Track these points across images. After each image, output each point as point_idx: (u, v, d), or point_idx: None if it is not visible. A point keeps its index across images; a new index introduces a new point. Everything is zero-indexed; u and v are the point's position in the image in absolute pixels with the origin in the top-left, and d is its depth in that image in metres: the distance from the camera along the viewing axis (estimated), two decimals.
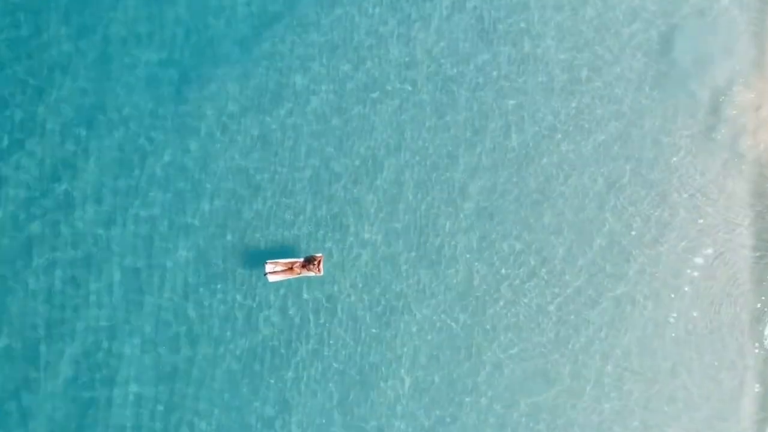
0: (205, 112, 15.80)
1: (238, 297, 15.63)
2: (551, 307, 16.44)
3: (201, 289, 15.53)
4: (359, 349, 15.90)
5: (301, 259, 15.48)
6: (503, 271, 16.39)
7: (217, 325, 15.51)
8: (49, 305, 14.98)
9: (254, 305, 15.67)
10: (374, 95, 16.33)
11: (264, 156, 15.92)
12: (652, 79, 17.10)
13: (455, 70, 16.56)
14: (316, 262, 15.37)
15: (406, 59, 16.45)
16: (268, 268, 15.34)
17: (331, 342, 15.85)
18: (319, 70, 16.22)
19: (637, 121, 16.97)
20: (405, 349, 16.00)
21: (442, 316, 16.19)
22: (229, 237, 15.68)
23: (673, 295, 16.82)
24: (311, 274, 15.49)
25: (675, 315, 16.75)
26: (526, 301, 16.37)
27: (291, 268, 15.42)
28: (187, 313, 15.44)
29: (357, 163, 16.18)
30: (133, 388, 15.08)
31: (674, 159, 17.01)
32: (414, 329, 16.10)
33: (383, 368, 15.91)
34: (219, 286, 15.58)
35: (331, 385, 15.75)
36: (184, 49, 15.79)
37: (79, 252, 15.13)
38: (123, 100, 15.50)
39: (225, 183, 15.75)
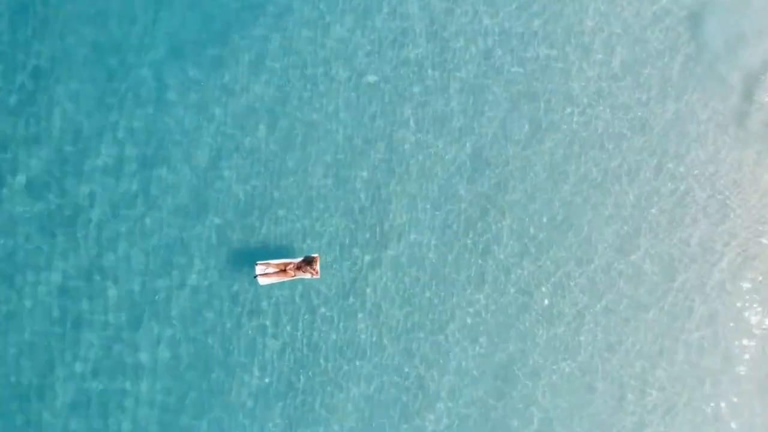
0: (193, 103, 14.66)
1: (224, 302, 14.37)
2: (585, 319, 15.14)
3: (183, 293, 14.27)
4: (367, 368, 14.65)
5: (296, 260, 14.19)
6: (526, 280, 15.10)
7: (199, 334, 14.25)
8: (43, 319, 13.93)
9: (242, 313, 14.39)
10: (384, 92, 15.05)
11: (254, 148, 14.70)
12: (678, 64, 15.64)
13: (471, 61, 15.28)
14: (314, 263, 14.11)
15: (420, 54, 15.19)
16: (259, 269, 14.14)
17: (328, 358, 14.60)
18: (316, 63, 14.95)
19: (662, 110, 15.56)
20: (434, 372, 14.80)
21: (468, 331, 14.90)
22: (215, 235, 14.41)
23: (703, 303, 15.43)
24: (307, 276, 14.22)
25: (705, 324, 15.34)
26: (555, 311, 15.05)
27: (284, 270, 14.16)
28: (166, 318, 14.19)
29: (369, 161, 14.93)
30: (128, 402, 13.96)
31: (702, 151, 15.59)
32: (439, 348, 14.87)
33: (405, 398, 14.66)
34: (204, 290, 14.30)
35: (334, 414, 14.45)
36: (182, 46, 14.63)
37: (69, 262, 14.07)
38: (111, 101, 14.35)
39: (211, 176, 14.50)
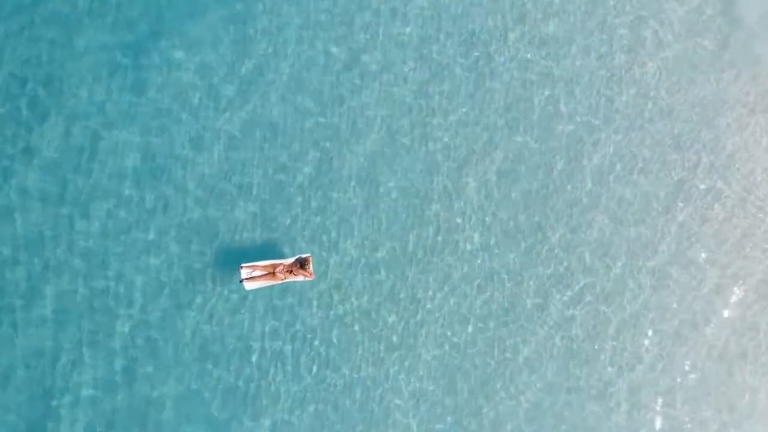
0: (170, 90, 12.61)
1: (207, 308, 12.33)
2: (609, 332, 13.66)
3: (163, 298, 12.21)
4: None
5: (286, 262, 12.37)
6: (536, 281, 13.60)
7: (178, 345, 12.18)
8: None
9: (226, 321, 12.39)
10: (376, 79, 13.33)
11: (243, 141, 12.76)
12: (709, 43, 14.39)
13: (476, 45, 13.68)
14: (306, 265, 12.36)
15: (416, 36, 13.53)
16: (244, 273, 12.23)
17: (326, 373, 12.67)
18: (301, 49, 13.13)
19: (690, 97, 14.21)
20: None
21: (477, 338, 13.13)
22: (199, 235, 12.43)
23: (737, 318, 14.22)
24: (299, 278, 12.43)
25: (738, 346, 14.13)
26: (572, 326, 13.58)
27: (273, 273, 12.28)
28: (145, 324, 12.09)
29: (358, 156, 13.19)
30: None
31: (736, 145, 14.27)
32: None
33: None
34: (184, 296, 12.26)
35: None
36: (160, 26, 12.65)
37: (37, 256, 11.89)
38: (82, 91, 12.24)
39: (194, 172, 12.51)
